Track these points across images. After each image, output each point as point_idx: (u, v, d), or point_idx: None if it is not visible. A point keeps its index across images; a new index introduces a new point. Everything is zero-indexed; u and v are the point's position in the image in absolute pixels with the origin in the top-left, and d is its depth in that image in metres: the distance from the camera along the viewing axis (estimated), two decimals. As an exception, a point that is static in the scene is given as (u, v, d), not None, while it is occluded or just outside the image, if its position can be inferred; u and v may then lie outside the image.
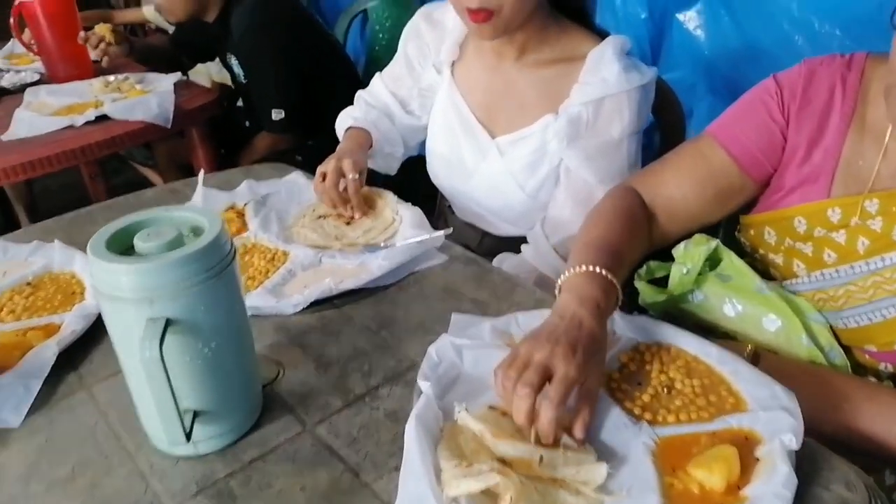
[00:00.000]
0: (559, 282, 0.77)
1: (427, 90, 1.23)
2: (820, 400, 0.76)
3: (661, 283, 0.96)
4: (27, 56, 2.09)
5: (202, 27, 1.87)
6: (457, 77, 1.17)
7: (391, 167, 1.32)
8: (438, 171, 1.24)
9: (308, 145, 1.91)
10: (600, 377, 0.68)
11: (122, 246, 0.64)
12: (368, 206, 1.15)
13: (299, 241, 1.07)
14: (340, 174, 1.09)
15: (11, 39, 2.27)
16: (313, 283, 0.96)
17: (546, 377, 0.63)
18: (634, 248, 0.86)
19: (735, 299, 0.87)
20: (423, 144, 1.33)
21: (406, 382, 0.77)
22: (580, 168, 1.04)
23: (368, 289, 0.95)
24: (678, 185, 0.90)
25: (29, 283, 0.96)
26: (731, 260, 0.87)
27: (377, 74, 1.32)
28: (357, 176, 1.09)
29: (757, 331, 0.86)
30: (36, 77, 1.94)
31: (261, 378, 0.76)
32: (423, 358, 0.75)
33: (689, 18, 1.53)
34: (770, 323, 0.85)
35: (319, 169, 1.13)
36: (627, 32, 1.61)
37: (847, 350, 0.85)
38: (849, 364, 0.84)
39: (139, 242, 0.62)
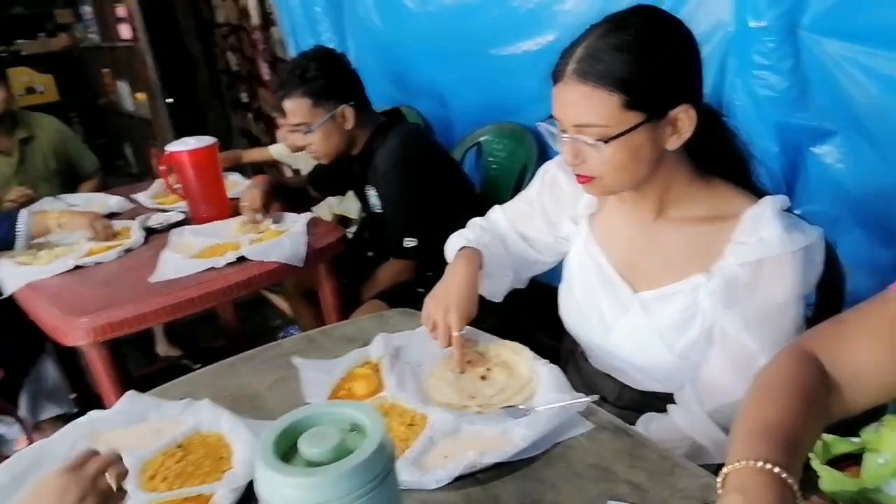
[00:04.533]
0: (724, 472, 0.67)
1: (564, 238, 1.22)
2: None
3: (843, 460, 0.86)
4: (172, 195, 2.28)
5: (341, 164, 1.99)
6: (595, 229, 1.16)
7: (497, 292, 1.31)
8: (573, 321, 1.21)
9: (428, 276, 1.94)
10: None
11: (286, 446, 0.64)
12: (504, 361, 1.12)
13: (435, 395, 1.06)
14: (448, 330, 1.12)
15: (157, 180, 2.50)
16: (454, 453, 0.92)
17: None
18: (814, 433, 0.75)
19: (944, 495, 0.75)
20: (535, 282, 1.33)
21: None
22: (739, 334, 0.97)
23: (512, 461, 0.91)
24: (871, 353, 0.78)
25: (180, 446, 0.99)
26: (935, 450, 0.76)
27: (497, 207, 1.33)
28: (462, 332, 1.11)
29: (976, 534, 0.74)
30: (180, 217, 2.10)
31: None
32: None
33: (826, 152, 1.46)
34: None
35: (426, 309, 1.16)
36: (759, 167, 1.56)
37: None
38: None
39: (305, 448, 0.61)
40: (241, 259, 1.70)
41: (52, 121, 2.76)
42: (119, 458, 0.74)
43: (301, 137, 1.88)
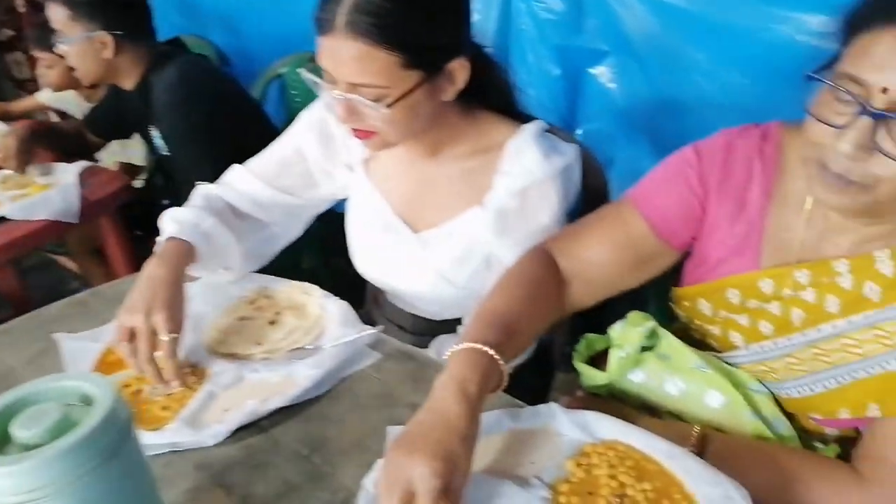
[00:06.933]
0: (448, 353, 0.74)
1: (342, 187, 1.16)
2: (770, 482, 0.74)
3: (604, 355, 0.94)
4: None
5: (119, 102, 1.78)
6: (371, 174, 1.11)
7: (237, 265, 1.14)
8: (363, 265, 1.18)
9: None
10: (467, 470, 0.66)
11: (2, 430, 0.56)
12: (294, 303, 1.09)
13: (217, 347, 1.00)
14: (153, 335, 0.90)
15: None
16: (235, 405, 0.89)
17: (411, 496, 0.62)
18: (537, 318, 0.85)
19: (676, 378, 0.85)
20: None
21: (343, 521, 0.71)
22: (513, 258, 1.00)
23: (298, 403, 0.89)
24: (596, 249, 0.89)
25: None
26: (668, 340, 0.86)
27: (238, 167, 1.17)
28: (174, 335, 0.91)
29: (701, 408, 0.84)
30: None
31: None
32: (358, 488, 0.70)
33: (601, 73, 1.54)
34: (713, 399, 0.83)
35: (122, 319, 0.91)
36: (541, 89, 1.62)
37: (791, 417, 0.84)
38: (795, 433, 0.83)
39: (17, 431, 0.54)
40: (1, 220, 1.49)
41: None
42: None
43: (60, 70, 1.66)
